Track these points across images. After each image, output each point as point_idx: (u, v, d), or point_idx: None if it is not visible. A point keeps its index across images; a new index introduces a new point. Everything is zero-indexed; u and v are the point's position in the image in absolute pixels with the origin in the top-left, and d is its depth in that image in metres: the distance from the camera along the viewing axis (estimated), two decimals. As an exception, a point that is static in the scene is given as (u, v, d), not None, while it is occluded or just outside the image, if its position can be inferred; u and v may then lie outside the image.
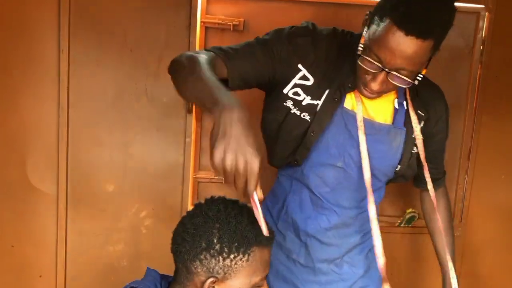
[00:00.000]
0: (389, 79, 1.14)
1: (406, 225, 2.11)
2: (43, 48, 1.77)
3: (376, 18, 1.12)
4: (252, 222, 0.99)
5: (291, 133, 1.29)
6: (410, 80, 1.13)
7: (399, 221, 2.12)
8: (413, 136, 1.33)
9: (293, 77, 1.26)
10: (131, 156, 1.89)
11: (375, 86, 1.16)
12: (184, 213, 1.91)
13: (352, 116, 1.28)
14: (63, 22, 1.75)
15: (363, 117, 1.28)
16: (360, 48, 1.14)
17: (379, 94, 1.22)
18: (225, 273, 0.98)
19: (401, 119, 1.31)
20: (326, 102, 1.26)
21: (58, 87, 1.79)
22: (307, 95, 1.26)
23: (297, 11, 1.98)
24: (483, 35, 2.01)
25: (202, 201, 1.06)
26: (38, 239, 1.88)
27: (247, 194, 0.91)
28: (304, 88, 1.26)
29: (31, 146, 1.82)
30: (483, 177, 2.13)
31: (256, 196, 0.93)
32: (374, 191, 1.32)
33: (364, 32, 1.17)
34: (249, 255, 0.99)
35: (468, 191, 2.12)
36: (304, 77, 1.26)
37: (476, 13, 1.99)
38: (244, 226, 0.99)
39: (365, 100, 1.29)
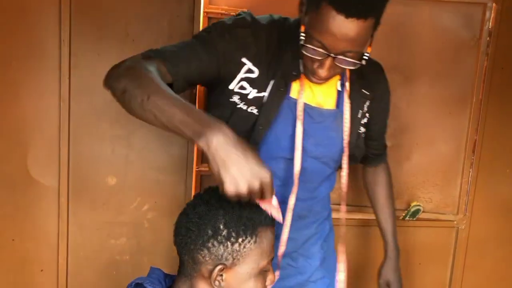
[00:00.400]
0: (337, 63, 1.11)
1: (411, 219, 2.09)
2: (43, 39, 1.74)
3: (312, 3, 1.08)
4: (254, 204, 0.98)
5: (239, 129, 1.21)
6: (357, 61, 1.11)
7: (403, 215, 2.10)
8: (358, 116, 1.32)
9: (238, 72, 1.21)
10: (133, 149, 1.86)
11: (323, 72, 1.13)
12: (187, 206, 1.91)
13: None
14: (64, 13, 1.72)
15: (311, 106, 1.26)
16: (302, 38, 1.11)
17: (328, 79, 1.20)
18: (233, 259, 0.98)
19: (344, 100, 1.29)
20: (272, 93, 1.22)
21: (59, 79, 1.76)
22: (253, 88, 1.22)
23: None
24: (489, 27, 1.99)
25: (202, 192, 1.05)
26: (39, 233, 1.85)
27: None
28: (249, 81, 1.22)
29: (32, 139, 1.79)
30: (488, 170, 2.12)
31: (275, 201, 0.97)
32: (325, 178, 1.34)
33: (302, 19, 1.13)
34: (256, 236, 0.98)
35: (473, 185, 2.11)
36: (249, 70, 1.21)
37: (483, 4, 1.97)
38: (248, 209, 0.98)
39: (313, 86, 1.26)
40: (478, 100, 2.05)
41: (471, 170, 2.10)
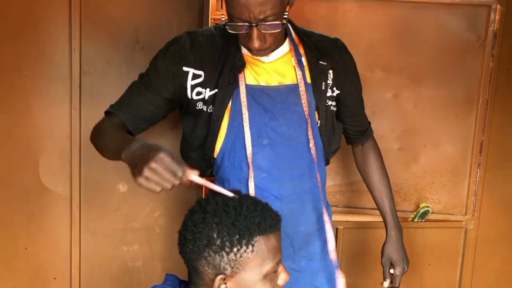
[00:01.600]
0: (263, 31, 1.19)
1: (420, 220, 2.11)
2: (54, 48, 1.75)
3: None
4: (254, 210, 0.97)
5: (205, 130, 1.35)
6: (279, 22, 1.18)
7: (412, 216, 2.12)
8: (322, 88, 1.35)
9: (186, 81, 1.31)
10: (144, 155, 1.87)
11: (254, 43, 1.20)
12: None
13: (258, 90, 1.32)
14: (75, 21, 1.73)
15: (269, 87, 1.32)
16: (223, 18, 1.24)
17: (266, 49, 1.26)
18: (232, 268, 0.95)
19: (305, 74, 1.34)
20: (221, 87, 1.30)
21: (70, 87, 1.77)
22: (205, 88, 1.32)
23: (308, 7, 1.98)
24: (494, 28, 2.01)
25: (204, 197, 1.04)
26: (52, 241, 1.86)
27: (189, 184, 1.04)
28: (200, 85, 1.32)
29: (43, 147, 1.80)
30: (495, 170, 2.13)
31: (195, 176, 1.02)
32: (309, 166, 1.35)
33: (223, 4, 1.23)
34: (253, 245, 0.95)
35: (481, 185, 2.12)
36: (195, 76, 1.31)
37: (488, 6, 1.99)
38: (244, 217, 0.96)
39: (268, 68, 1.32)
40: (484, 101, 2.06)
41: (478, 171, 2.11)
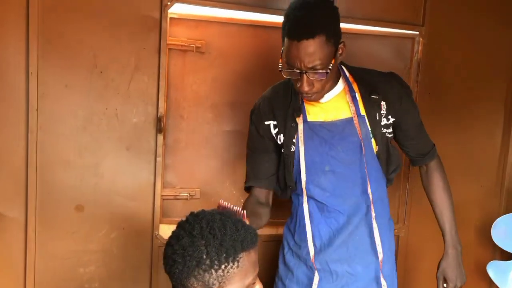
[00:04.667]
0: (311, 78, 1.43)
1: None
2: (11, 71, 1.74)
3: (282, 41, 1.46)
4: (237, 230, 1.10)
5: (281, 169, 1.63)
6: (324, 71, 1.42)
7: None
8: (377, 118, 1.55)
9: (270, 132, 1.62)
10: (102, 177, 1.90)
11: (304, 87, 1.44)
12: (156, 232, 1.96)
13: (318, 125, 1.54)
14: (32, 45, 1.74)
15: (326, 122, 1.54)
16: (279, 66, 1.46)
17: (315, 94, 1.49)
18: (220, 283, 1.07)
19: (358, 108, 1.55)
20: (287, 131, 1.58)
21: (27, 110, 1.76)
22: (280, 134, 1.61)
23: (252, 34, 2.13)
24: (418, 58, 2.28)
25: (184, 219, 1.14)
26: (6, 266, 1.81)
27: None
28: (277, 133, 1.62)
29: (-2, 171, 1.77)
30: (419, 182, 2.38)
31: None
32: (361, 181, 1.56)
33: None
34: (238, 261, 1.08)
35: (410, 195, 2.37)
36: (274, 126, 1.61)
37: (412, 38, 2.26)
38: (229, 236, 1.08)
39: (325, 107, 1.54)
40: (411, 122, 2.31)
41: (407, 183, 2.36)
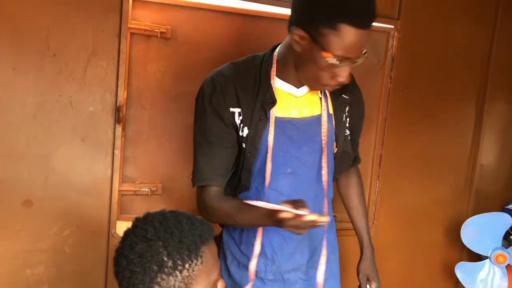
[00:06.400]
0: (358, 64, 1.27)
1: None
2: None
3: (322, 31, 1.19)
4: (192, 224, 1.00)
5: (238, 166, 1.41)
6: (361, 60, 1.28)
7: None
8: (343, 120, 1.45)
9: (234, 121, 1.36)
10: (53, 170, 1.74)
11: (347, 79, 1.27)
12: (112, 230, 1.83)
13: (286, 122, 1.37)
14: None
15: (297, 118, 1.38)
16: (329, 61, 1.22)
17: None
18: (186, 284, 0.97)
19: (328, 106, 1.43)
20: (253, 124, 1.35)
21: (-31, 95, 1.59)
22: (244, 126, 1.36)
23: (223, 21, 2.00)
24: (392, 53, 2.21)
25: (130, 227, 1.02)
26: None
27: None
28: (241, 123, 1.37)
29: None
30: (389, 182, 2.34)
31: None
32: (317, 184, 1.43)
33: (307, 48, 1.24)
34: (201, 257, 0.99)
35: (380, 195, 2.31)
36: (238, 114, 1.36)
37: (387, 32, 2.19)
38: (187, 232, 0.99)
39: (298, 100, 1.38)
40: (383, 119, 2.26)
41: (378, 182, 2.31)
